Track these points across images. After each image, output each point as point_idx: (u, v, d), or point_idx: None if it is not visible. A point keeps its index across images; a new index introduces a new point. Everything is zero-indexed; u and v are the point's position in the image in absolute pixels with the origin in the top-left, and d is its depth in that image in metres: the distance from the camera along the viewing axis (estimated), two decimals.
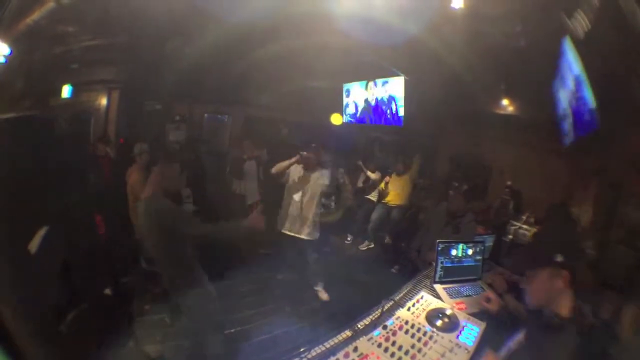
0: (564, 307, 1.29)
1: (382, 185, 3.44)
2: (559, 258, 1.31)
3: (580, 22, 1.95)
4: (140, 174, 2.50)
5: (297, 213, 2.86)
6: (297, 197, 2.88)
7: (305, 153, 2.75)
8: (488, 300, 1.73)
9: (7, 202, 1.43)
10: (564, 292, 1.30)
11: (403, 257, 2.94)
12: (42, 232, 1.51)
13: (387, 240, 3.24)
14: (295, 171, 2.89)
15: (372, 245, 3.44)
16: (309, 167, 2.83)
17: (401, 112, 3.28)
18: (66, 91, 2.58)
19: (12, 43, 2.10)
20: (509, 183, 2.67)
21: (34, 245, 1.48)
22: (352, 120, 3.74)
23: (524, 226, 2.48)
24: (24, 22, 2.19)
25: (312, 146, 2.81)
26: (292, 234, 2.86)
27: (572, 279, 1.30)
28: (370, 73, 3.55)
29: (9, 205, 1.44)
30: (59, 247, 1.62)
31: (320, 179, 2.86)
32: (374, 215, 3.57)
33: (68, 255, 1.70)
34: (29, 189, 1.50)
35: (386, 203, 3.52)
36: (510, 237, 2.46)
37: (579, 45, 2.00)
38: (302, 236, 2.84)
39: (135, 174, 2.53)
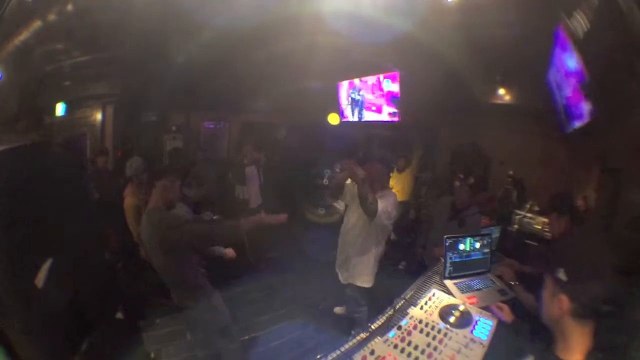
0: (575, 354, 1.02)
1: None
2: (562, 276, 1.05)
3: (578, 17, 1.95)
4: (133, 198, 2.39)
5: (347, 251, 2.36)
6: (347, 225, 2.36)
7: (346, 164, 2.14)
8: (500, 309, 1.68)
9: (9, 239, 1.41)
10: (568, 324, 1.04)
11: (409, 254, 2.96)
12: (47, 265, 1.49)
13: (393, 237, 3.24)
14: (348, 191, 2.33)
15: None
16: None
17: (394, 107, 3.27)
18: (60, 109, 2.55)
19: (2, 67, 2.08)
20: (511, 172, 2.68)
21: (40, 279, 1.46)
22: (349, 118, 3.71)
23: (528, 214, 2.50)
24: (12, 43, 2.16)
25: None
26: (344, 281, 2.42)
27: (573, 309, 1.02)
28: (363, 70, 3.53)
29: (12, 242, 1.42)
30: (66, 278, 1.61)
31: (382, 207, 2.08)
32: None
33: (76, 285, 1.69)
34: (30, 222, 1.48)
35: None
36: (516, 226, 2.47)
37: (575, 36, 2.00)
38: (356, 283, 2.37)
39: (129, 198, 2.42)
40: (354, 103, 3.67)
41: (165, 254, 1.82)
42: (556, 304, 1.05)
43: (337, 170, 2.40)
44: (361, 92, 3.60)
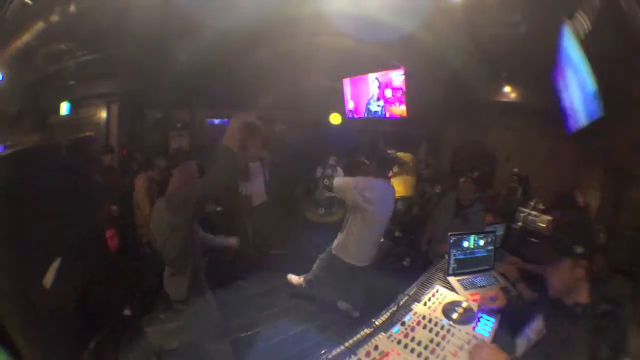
0: (583, 294, 1.37)
1: None
2: (579, 250, 1.41)
3: (580, 17, 1.94)
4: (146, 182, 2.56)
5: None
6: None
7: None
8: (494, 299, 1.73)
9: (17, 239, 1.42)
10: (582, 281, 1.38)
11: (413, 250, 2.96)
12: (55, 265, 1.50)
13: (397, 233, 3.24)
14: None
15: (382, 240, 3.46)
16: None
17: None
18: (64, 108, 2.57)
19: (4, 67, 2.10)
20: (515, 170, 2.67)
21: (48, 279, 1.48)
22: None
23: (533, 212, 2.48)
24: (14, 45, 2.17)
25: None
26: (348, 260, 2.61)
27: (590, 268, 1.38)
28: (368, 68, 3.52)
29: (20, 242, 1.43)
30: (75, 277, 1.62)
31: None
32: None
33: (82, 285, 1.70)
34: (37, 223, 1.49)
35: None
36: (520, 224, 2.46)
37: (579, 36, 1.99)
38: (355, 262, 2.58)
39: (141, 182, 2.57)
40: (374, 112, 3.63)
41: (173, 235, 1.83)
42: (577, 271, 1.38)
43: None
44: (379, 103, 3.56)
